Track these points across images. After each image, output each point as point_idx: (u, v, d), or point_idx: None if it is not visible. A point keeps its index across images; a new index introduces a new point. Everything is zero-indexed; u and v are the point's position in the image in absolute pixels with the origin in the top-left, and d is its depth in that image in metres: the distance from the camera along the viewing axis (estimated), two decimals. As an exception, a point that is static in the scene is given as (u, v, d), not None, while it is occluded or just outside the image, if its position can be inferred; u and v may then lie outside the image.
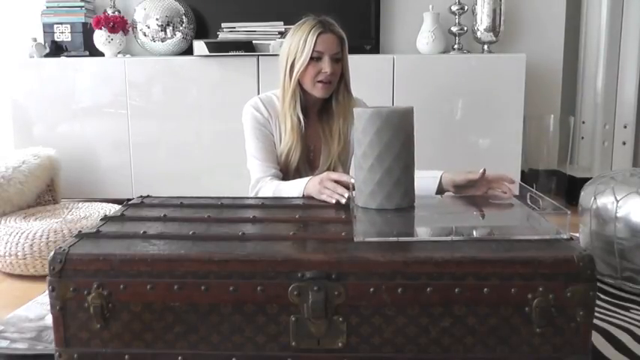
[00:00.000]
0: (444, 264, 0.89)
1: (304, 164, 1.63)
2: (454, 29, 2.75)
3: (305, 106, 1.61)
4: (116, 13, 2.81)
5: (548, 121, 2.69)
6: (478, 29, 2.70)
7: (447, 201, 1.35)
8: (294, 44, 1.55)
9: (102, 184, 2.71)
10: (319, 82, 1.54)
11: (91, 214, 2.14)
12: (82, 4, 2.82)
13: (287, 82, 1.57)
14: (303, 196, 1.39)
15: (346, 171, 1.65)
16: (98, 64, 2.69)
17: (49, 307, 0.95)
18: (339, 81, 1.60)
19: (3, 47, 2.97)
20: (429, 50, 2.71)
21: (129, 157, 2.69)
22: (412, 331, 0.91)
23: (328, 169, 1.60)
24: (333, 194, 1.28)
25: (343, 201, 1.25)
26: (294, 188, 1.43)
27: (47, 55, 2.78)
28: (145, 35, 2.72)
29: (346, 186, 1.28)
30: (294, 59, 1.54)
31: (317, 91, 1.56)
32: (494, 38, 2.70)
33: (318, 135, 1.66)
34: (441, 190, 1.46)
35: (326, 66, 1.52)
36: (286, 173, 1.61)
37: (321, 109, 1.65)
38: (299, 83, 1.56)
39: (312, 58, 1.52)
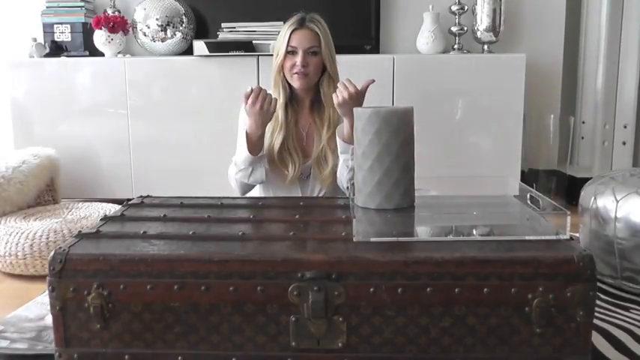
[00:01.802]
0: (444, 264, 0.89)
1: (296, 149, 1.73)
2: (454, 29, 2.75)
3: (295, 97, 1.75)
4: (116, 13, 2.81)
5: (548, 121, 2.69)
6: (478, 29, 2.70)
7: (447, 201, 1.35)
8: (277, 40, 1.73)
9: (102, 184, 2.71)
10: (295, 74, 1.68)
11: (91, 214, 2.14)
12: (82, 4, 2.82)
13: (274, 74, 1.73)
14: (248, 138, 1.61)
15: (336, 160, 1.71)
16: (98, 64, 2.69)
17: (49, 307, 0.95)
18: (323, 73, 1.72)
19: (3, 47, 2.97)
20: (428, 50, 2.71)
21: (129, 157, 2.69)
22: (412, 331, 0.91)
23: (319, 156, 1.73)
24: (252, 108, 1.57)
25: (257, 108, 1.56)
26: (241, 147, 1.64)
27: (47, 55, 2.78)
28: (145, 35, 2.72)
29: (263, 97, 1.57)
30: (278, 54, 1.70)
31: (294, 82, 1.70)
32: (494, 38, 2.70)
33: (311, 125, 1.77)
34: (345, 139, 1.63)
35: (298, 59, 1.66)
36: (271, 156, 1.71)
37: (314, 100, 1.77)
38: (284, 75, 1.71)
39: (288, 52, 1.68)
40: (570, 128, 2.73)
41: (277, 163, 1.71)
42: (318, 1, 2.62)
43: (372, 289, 0.90)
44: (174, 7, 2.72)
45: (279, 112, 1.71)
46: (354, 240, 0.98)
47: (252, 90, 1.58)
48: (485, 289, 0.89)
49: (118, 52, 2.78)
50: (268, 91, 1.75)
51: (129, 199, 1.31)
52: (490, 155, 2.60)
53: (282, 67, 1.70)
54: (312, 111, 1.77)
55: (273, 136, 1.71)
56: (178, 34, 2.72)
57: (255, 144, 1.63)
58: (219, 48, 2.57)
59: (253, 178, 1.67)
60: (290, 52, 1.68)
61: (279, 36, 1.72)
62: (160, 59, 2.70)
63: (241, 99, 1.76)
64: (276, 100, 1.62)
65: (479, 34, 2.70)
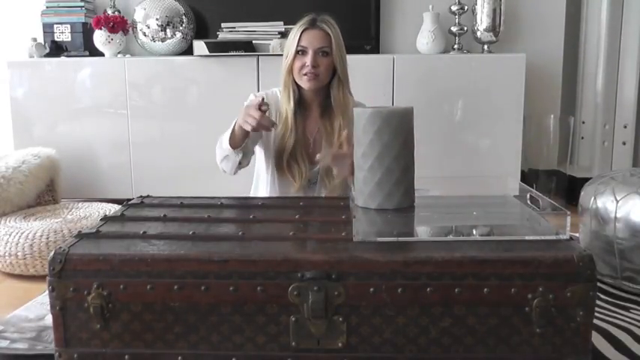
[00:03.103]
0: (444, 264, 0.89)
1: (303, 157, 1.70)
2: (454, 29, 2.75)
3: (303, 99, 1.72)
4: (116, 13, 2.81)
5: (548, 121, 2.69)
6: (478, 29, 2.70)
7: (447, 201, 1.35)
8: (287, 41, 1.70)
9: (102, 184, 2.71)
10: (305, 74, 1.64)
11: (91, 214, 2.14)
12: (82, 4, 2.82)
13: (284, 75, 1.69)
14: (233, 130, 1.58)
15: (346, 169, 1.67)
16: (98, 64, 2.69)
17: (49, 307, 0.95)
18: (333, 76, 1.68)
19: (3, 47, 2.97)
20: (429, 50, 2.71)
21: (129, 157, 2.69)
22: (412, 331, 0.91)
23: (328, 166, 1.67)
24: (249, 119, 1.48)
25: (248, 128, 1.48)
26: (228, 130, 1.61)
27: (47, 55, 2.78)
28: (145, 35, 2.72)
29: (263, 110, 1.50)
30: (287, 54, 1.67)
31: (304, 83, 1.65)
32: (494, 38, 2.70)
33: (319, 130, 1.73)
34: None
35: (307, 59, 1.63)
36: (280, 158, 1.69)
37: (323, 105, 1.73)
38: (293, 77, 1.67)
39: (298, 52, 1.64)
40: (570, 128, 2.73)
41: (285, 171, 1.68)
42: (318, 1, 2.62)
43: (372, 289, 0.90)
44: (174, 7, 2.72)
45: (289, 117, 1.67)
46: (354, 240, 0.98)
47: (262, 100, 1.51)
48: (485, 289, 0.89)
49: (118, 52, 2.78)
50: (277, 89, 1.74)
51: (129, 199, 1.31)
52: (490, 155, 2.60)
53: (291, 69, 1.65)
54: (322, 116, 1.72)
55: (284, 142, 1.67)
56: (178, 34, 2.72)
57: (235, 139, 1.59)
58: (219, 48, 2.57)
59: (223, 165, 1.68)
60: (300, 51, 1.64)
61: (290, 36, 1.68)
62: (160, 59, 2.70)
63: (241, 100, 1.76)
64: (275, 124, 1.58)
65: (479, 34, 2.70)
